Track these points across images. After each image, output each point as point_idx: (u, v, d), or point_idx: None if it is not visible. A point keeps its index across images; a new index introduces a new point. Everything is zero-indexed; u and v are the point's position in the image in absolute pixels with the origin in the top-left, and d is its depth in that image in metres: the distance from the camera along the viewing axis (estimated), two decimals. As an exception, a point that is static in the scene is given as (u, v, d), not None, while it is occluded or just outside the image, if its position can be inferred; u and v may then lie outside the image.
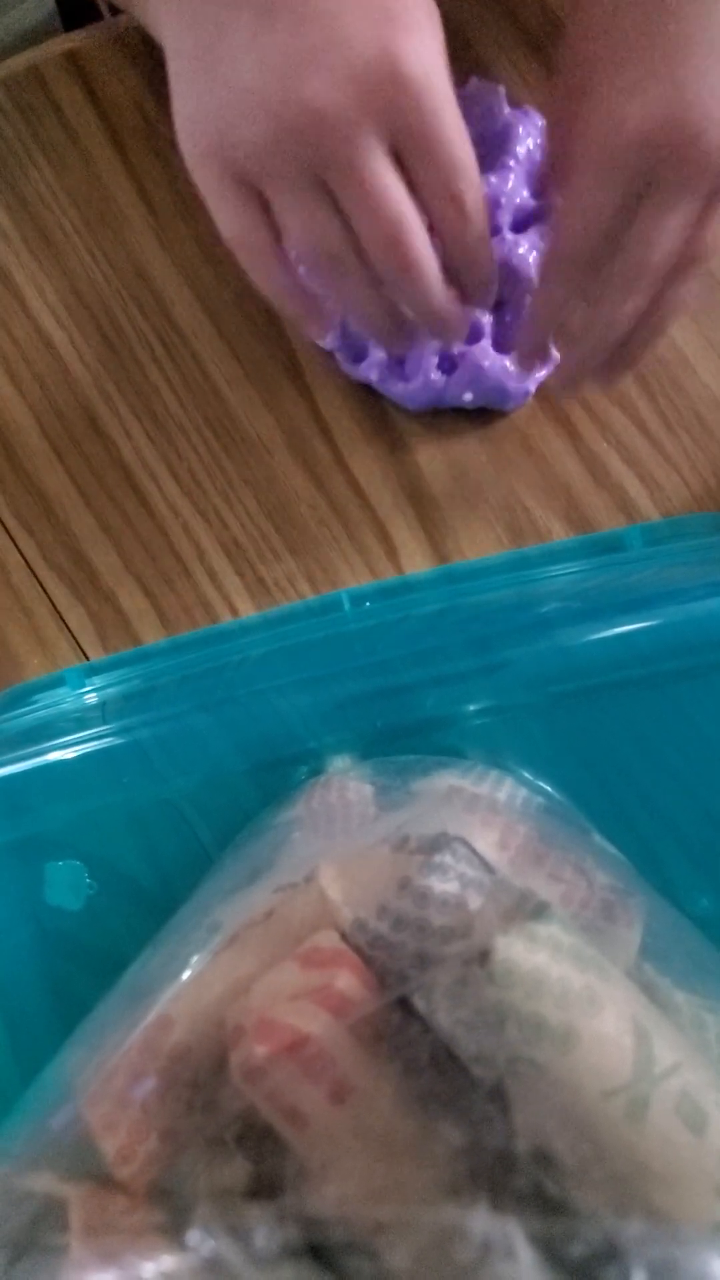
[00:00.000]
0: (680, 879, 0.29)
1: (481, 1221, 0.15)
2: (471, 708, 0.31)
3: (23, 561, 0.39)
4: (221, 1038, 0.20)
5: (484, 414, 0.39)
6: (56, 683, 0.36)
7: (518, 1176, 0.16)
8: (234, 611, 0.38)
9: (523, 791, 0.28)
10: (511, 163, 0.37)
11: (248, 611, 0.38)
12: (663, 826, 0.30)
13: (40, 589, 0.39)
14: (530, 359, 0.33)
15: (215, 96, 0.26)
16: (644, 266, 0.28)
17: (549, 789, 0.30)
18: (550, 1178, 0.16)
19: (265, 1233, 0.15)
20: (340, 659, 0.32)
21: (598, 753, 0.30)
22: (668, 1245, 0.15)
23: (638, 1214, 0.16)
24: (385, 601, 0.36)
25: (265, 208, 0.28)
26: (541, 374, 0.37)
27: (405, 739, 0.31)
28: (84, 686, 0.36)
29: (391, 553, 0.38)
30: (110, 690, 0.35)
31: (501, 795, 0.28)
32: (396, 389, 0.37)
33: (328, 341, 0.38)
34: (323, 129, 0.25)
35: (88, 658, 0.38)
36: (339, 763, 0.31)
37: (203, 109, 0.27)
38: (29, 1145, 0.21)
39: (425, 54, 0.25)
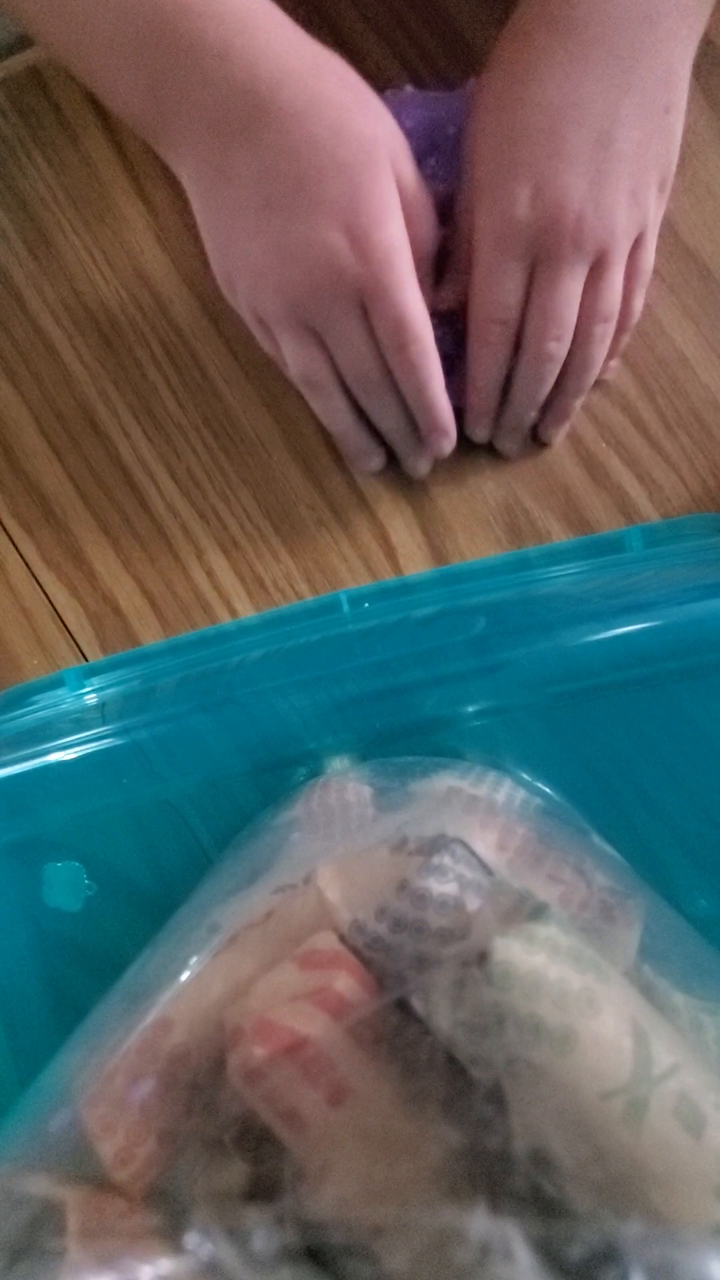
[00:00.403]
0: (679, 880, 0.29)
1: (480, 1223, 0.15)
2: (470, 709, 0.31)
3: (21, 562, 0.39)
4: (220, 1039, 0.20)
5: (483, 414, 0.39)
6: (55, 683, 0.36)
7: (516, 1178, 0.16)
8: (233, 612, 0.38)
9: (521, 793, 0.28)
10: None
11: (246, 612, 0.38)
12: (662, 827, 0.30)
13: (39, 589, 0.39)
14: (479, 421, 0.38)
15: (232, 264, 0.34)
16: (553, 326, 0.34)
17: (548, 790, 0.30)
18: (549, 1179, 0.16)
19: (263, 1235, 0.15)
20: (339, 660, 0.32)
21: (597, 754, 0.30)
22: (666, 1247, 0.15)
23: (636, 1216, 0.16)
24: (384, 602, 0.36)
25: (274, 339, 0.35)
26: None
27: (404, 740, 0.31)
28: (83, 687, 0.36)
29: (390, 553, 0.38)
30: (109, 691, 0.35)
31: (500, 796, 0.28)
32: None
33: None
34: (307, 303, 0.33)
35: (86, 658, 0.38)
36: (338, 764, 0.31)
37: (225, 270, 0.35)
38: (27, 1147, 0.21)
39: (385, 238, 0.32)
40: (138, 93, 0.32)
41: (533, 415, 0.37)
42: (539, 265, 0.33)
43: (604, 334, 0.35)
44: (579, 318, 0.34)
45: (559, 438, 0.38)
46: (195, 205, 0.34)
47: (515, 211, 0.32)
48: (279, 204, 0.32)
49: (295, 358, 0.35)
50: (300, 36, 0.32)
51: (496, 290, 0.34)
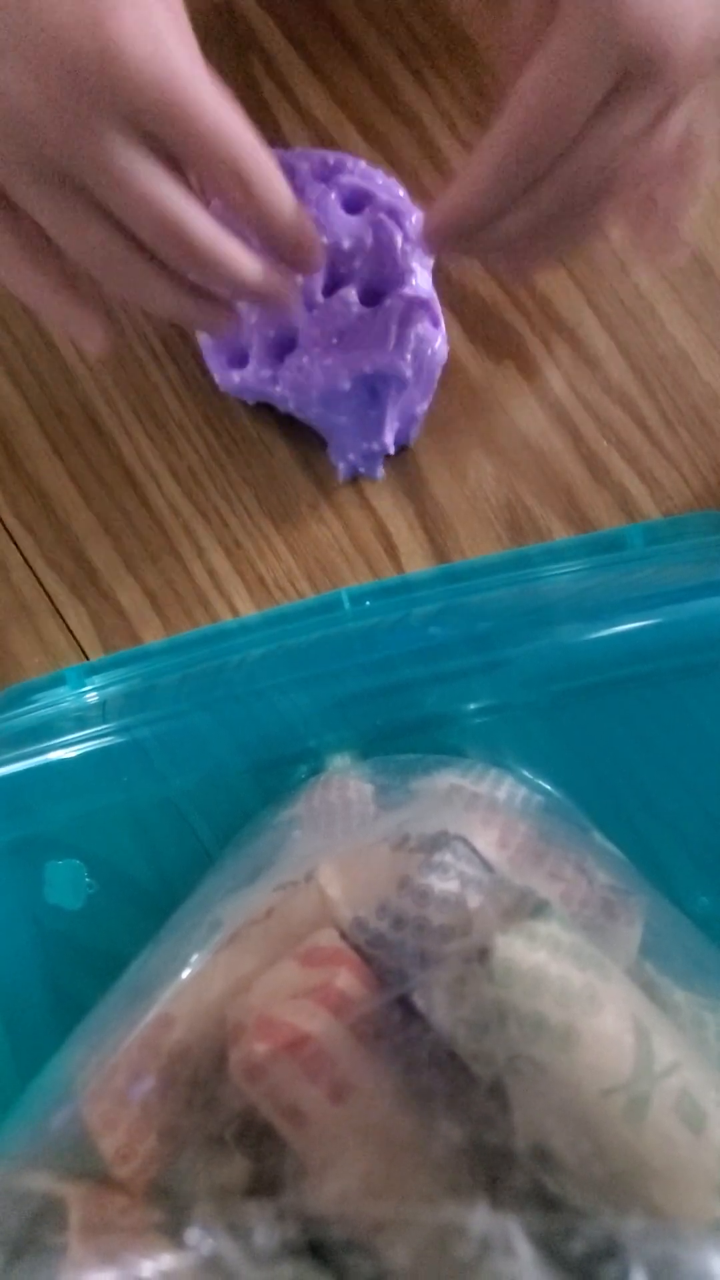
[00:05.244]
0: (680, 877, 0.29)
1: (481, 1219, 0.15)
2: (471, 706, 0.31)
3: (23, 560, 0.39)
4: (221, 1036, 0.20)
5: (483, 414, 0.39)
6: (56, 682, 0.36)
7: (517, 1174, 0.16)
8: (234, 610, 0.38)
9: (523, 790, 0.28)
10: None
11: (248, 610, 0.38)
12: (663, 825, 0.30)
13: (40, 588, 0.39)
14: (439, 241, 0.29)
15: None
16: (591, 163, 0.26)
17: (549, 787, 0.30)
18: (550, 1175, 0.16)
19: (265, 1231, 0.15)
20: (340, 658, 0.32)
21: (598, 751, 0.30)
22: (667, 1243, 0.15)
23: (637, 1212, 0.16)
24: (385, 600, 0.36)
25: (11, 209, 0.25)
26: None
27: (405, 737, 0.31)
28: (84, 686, 0.36)
29: (392, 551, 0.38)
30: (110, 689, 0.35)
31: (501, 794, 0.28)
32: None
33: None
34: (42, 131, 0.22)
35: (88, 657, 0.38)
36: (339, 761, 0.31)
37: None
38: (29, 1144, 0.21)
39: (148, 28, 0.22)
40: None
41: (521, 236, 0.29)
42: (620, 90, 0.25)
43: (626, 179, 0.28)
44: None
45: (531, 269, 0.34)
46: None
47: (622, 22, 0.24)
48: None
49: (61, 227, 0.24)
50: None
51: (562, 107, 0.25)
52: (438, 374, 0.37)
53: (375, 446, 0.37)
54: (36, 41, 0.21)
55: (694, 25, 0.25)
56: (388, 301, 0.35)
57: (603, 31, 0.24)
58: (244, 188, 0.24)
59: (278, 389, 0.36)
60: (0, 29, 0.21)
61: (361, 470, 0.38)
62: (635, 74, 0.25)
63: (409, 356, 0.36)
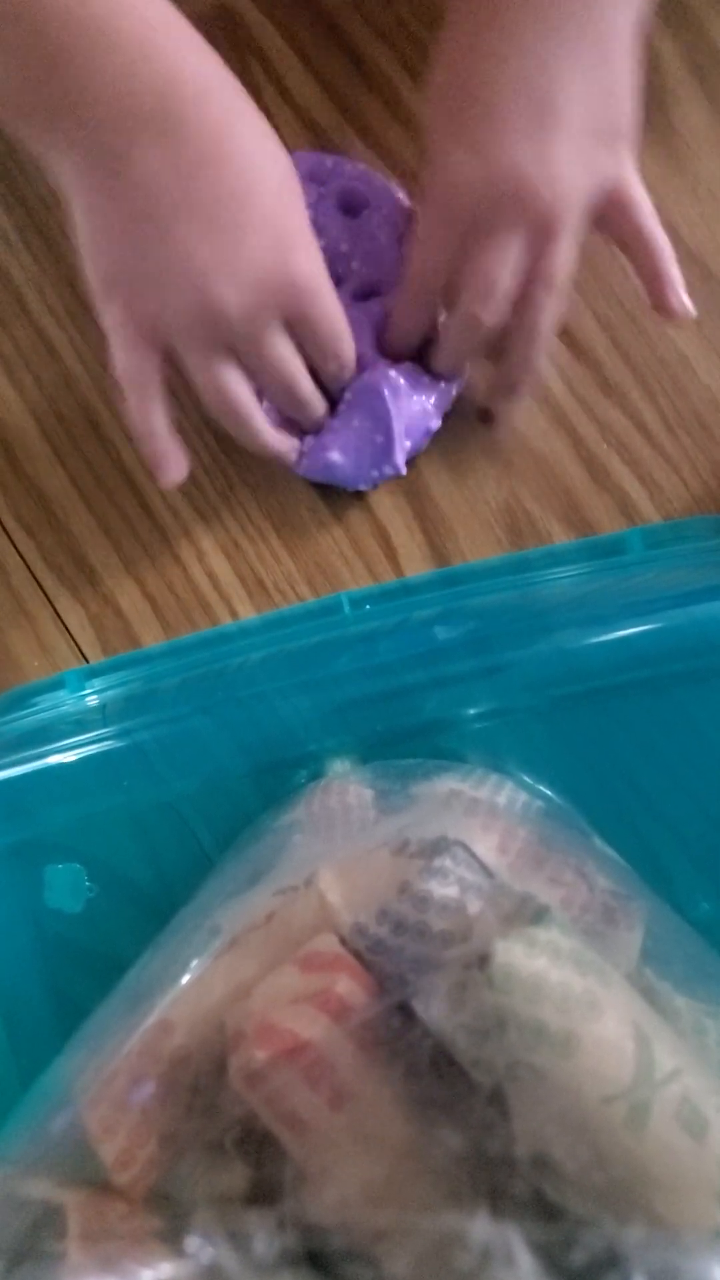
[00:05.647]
0: (681, 883, 0.29)
1: (481, 1228, 0.15)
2: (471, 711, 0.31)
3: (23, 564, 0.39)
4: (221, 1042, 0.20)
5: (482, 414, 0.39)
6: (56, 685, 0.36)
7: (518, 1182, 0.16)
8: (234, 614, 0.38)
9: (523, 795, 0.28)
10: None
11: (247, 614, 0.38)
12: (664, 830, 0.30)
13: (40, 591, 0.39)
14: (400, 348, 0.38)
15: (137, 270, 0.32)
16: (483, 290, 0.33)
17: (549, 792, 0.30)
18: (550, 1184, 0.16)
19: (264, 1239, 0.15)
20: (340, 662, 0.32)
21: (598, 756, 0.30)
22: (668, 1251, 0.15)
23: (638, 1220, 0.16)
24: (385, 604, 0.36)
25: (163, 356, 0.33)
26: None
27: (405, 742, 0.31)
28: (84, 689, 0.36)
29: (391, 555, 0.38)
30: (110, 693, 0.35)
31: (501, 799, 0.27)
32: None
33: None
34: (232, 321, 0.32)
35: (87, 660, 0.38)
36: (339, 766, 0.31)
37: (123, 274, 0.32)
38: (28, 1149, 0.21)
39: (310, 262, 0.33)
40: (27, 75, 0.29)
41: (456, 368, 0.37)
42: (478, 231, 0.33)
43: (547, 302, 0.34)
44: (525, 284, 0.34)
45: (512, 414, 0.38)
46: (82, 205, 0.31)
47: (454, 177, 0.33)
48: (202, 212, 0.30)
49: (212, 380, 0.33)
50: (209, 48, 0.31)
51: (430, 255, 0.34)
52: (453, 392, 0.37)
53: (387, 470, 0.37)
54: (244, 265, 0.31)
55: (509, 177, 0.32)
56: (384, 301, 0.35)
57: (446, 193, 0.33)
58: (339, 366, 0.35)
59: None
60: (220, 253, 0.31)
61: (367, 486, 0.38)
62: (489, 218, 0.32)
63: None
